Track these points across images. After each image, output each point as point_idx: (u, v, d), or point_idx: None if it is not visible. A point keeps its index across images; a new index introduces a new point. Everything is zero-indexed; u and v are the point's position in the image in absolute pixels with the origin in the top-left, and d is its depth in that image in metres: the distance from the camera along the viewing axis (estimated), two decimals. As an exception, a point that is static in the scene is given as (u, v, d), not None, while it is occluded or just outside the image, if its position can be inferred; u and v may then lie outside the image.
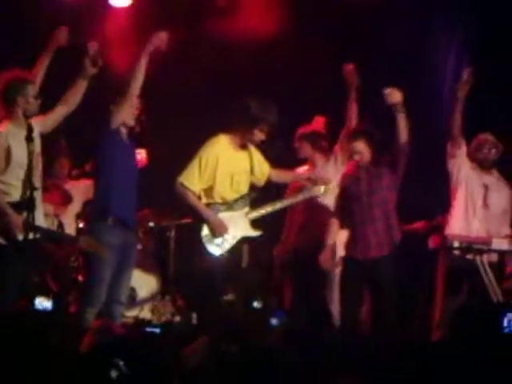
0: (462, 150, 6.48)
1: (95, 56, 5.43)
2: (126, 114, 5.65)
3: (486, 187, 6.53)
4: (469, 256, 6.38)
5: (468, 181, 6.54)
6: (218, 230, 5.83)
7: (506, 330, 4.29)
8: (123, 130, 5.74)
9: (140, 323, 6.47)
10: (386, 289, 6.02)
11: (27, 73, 5.52)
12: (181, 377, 3.83)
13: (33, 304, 5.49)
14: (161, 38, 5.62)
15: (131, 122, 5.72)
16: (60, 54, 5.81)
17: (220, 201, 5.92)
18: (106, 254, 5.43)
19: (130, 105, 5.63)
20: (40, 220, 5.40)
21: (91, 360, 3.93)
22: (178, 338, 4.50)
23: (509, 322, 4.37)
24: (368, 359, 3.80)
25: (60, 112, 5.49)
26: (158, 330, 5.51)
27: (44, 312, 6.15)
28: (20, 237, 5.22)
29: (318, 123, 6.82)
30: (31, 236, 5.14)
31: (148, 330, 5.46)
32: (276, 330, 5.38)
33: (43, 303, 6.32)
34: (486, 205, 6.52)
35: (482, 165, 6.53)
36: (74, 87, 5.46)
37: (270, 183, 6.23)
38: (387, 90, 6.05)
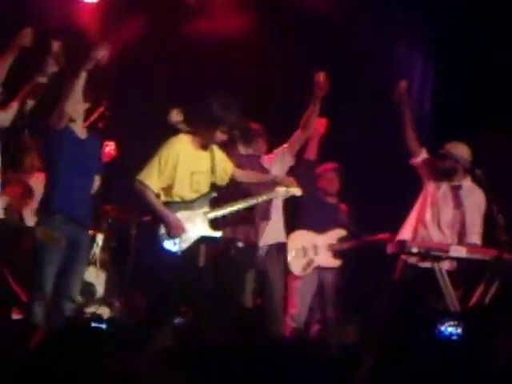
0: (422, 159, 6.54)
1: (58, 54, 5.39)
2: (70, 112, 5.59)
3: (446, 196, 6.56)
4: (426, 262, 6.42)
5: (428, 188, 6.59)
6: (174, 230, 5.81)
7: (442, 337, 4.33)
8: (75, 126, 5.71)
9: (96, 320, 6.43)
10: None
11: None
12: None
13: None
14: (101, 54, 5.52)
15: (78, 118, 5.69)
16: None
17: (179, 200, 5.90)
18: (61, 244, 5.42)
19: (71, 103, 5.56)
20: None
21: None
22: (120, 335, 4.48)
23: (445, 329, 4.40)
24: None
25: (16, 108, 5.46)
26: (104, 326, 5.47)
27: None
28: None
29: (320, 125, 6.83)
30: None
31: (94, 325, 5.41)
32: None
33: None
34: (445, 213, 6.55)
35: (444, 173, 6.56)
36: (33, 84, 5.43)
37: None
38: None
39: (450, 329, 4.55)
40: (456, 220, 6.54)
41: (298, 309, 7.07)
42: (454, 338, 4.25)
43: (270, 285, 6.59)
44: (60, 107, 5.51)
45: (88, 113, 5.78)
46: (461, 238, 6.52)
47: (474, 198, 6.53)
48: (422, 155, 6.62)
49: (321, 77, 6.49)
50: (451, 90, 7.90)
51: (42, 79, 5.42)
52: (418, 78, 8.27)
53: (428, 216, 6.52)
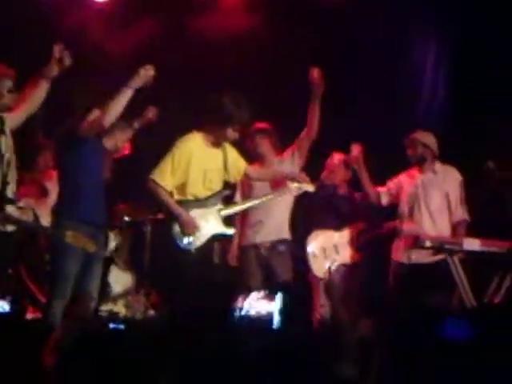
0: (387, 199, 6.86)
1: (61, 57, 5.36)
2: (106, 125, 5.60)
3: (417, 186, 6.68)
4: (441, 255, 6.45)
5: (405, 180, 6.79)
6: (187, 228, 5.84)
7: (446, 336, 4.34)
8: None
9: (110, 318, 6.49)
10: None
11: (4, 67, 5.52)
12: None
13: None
14: (148, 74, 5.48)
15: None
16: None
17: (192, 198, 5.94)
18: (92, 248, 5.43)
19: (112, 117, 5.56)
20: (13, 213, 5.44)
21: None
22: (142, 334, 4.52)
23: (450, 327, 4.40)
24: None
25: (23, 110, 5.45)
26: (122, 327, 5.51)
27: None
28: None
29: (356, 151, 6.78)
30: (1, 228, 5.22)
31: (113, 326, 5.45)
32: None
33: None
34: (419, 204, 6.64)
35: (415, 161, 6.73)
36: (36, 87, 5.40)
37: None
38: None
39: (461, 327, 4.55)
40: (443, 204, 6.64)
41: (325, 307, 7.03)
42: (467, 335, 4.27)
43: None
44: (100, 119, 5.50)
45: None
46: (450, 219, 6.65)
47: (451, 177, 6.71)
48: (384, 197, 6.83)
49: (315, 73, 6.38)
50: (466, 76, 7.85)
51: (45, 82, 5.38)
52: (430, 63, 8.23)
53: (416, 208, 6.65)
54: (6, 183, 5.39)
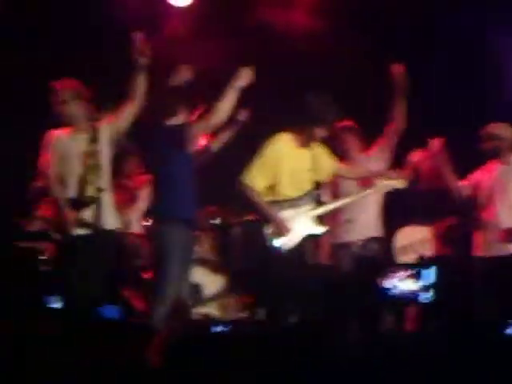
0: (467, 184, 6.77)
1: (142, 46, 5.46)
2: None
3: (494, 179, 6.62)
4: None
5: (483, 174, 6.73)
6: (280, 229, 5.85)
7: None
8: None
9: (207, 321, 6.54)
10: None
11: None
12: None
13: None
14: (248, 75, 5.61)
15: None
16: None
17: (283, 199, 5.94)
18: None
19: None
20: (107, 219, 5.53)
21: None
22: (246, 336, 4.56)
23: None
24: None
25: (129, 111, 5.59)
26: (223, 329, 5.53)
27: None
28: (73, 232, 5.41)
29: (436, 145, 6.70)
30: (82, 232, 5.38)
31: (214, 329, 5.47)
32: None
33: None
34: (497, 197, 6.58)
35: (490, 154, 6.66)
36: (134, 82, 5.55)
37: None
38: None
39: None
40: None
41: None
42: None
43: None
44: (208, 120, 5.66)
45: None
46: None
47: None
48: (465, 191, 6.71)
49: (397, 69, 6.43)
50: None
51: (139, 75, 5.50)
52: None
53: (493, 200, 6.54)
54: (100, 190, 5.50)
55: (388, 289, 5.79)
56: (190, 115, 5.79)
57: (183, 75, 5.88)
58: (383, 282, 5.76)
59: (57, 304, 6.23)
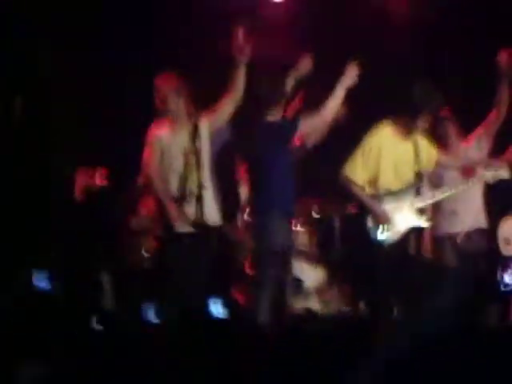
0: None
1: (241, 42, 5.45)
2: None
3: None
4: None
5: None
6: (382, 222, 5.77)
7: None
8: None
9: (309, 315, 6.53)
10: None
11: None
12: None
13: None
14: (354, 73, 5.65)
15: None
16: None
17: (385, 191, 5.85)
18: None
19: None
20: (210, 216, 5.55)
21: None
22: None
23: None
24: None
25: (228, 106, 5.61)
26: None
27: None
28: (177, 229, 5.43)
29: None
30: (185, 229, 5.39)
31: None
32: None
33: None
34: None
35: None
36: (233, 78, 5.54)
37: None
38: None
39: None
40: None
41: None
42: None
43: None
44: (319, 117, 5.77)
45: None
46: None
47: None
48: None
49: (504, 56, 6.24)
50: None
51: (238, 71, 5.50)
52: None
53: None
54: (202, 187, 5.53)
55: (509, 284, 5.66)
56: (286, 109, 5.79)
57: (305, 66, 5.87)
58: (503, 275, 5.62)
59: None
